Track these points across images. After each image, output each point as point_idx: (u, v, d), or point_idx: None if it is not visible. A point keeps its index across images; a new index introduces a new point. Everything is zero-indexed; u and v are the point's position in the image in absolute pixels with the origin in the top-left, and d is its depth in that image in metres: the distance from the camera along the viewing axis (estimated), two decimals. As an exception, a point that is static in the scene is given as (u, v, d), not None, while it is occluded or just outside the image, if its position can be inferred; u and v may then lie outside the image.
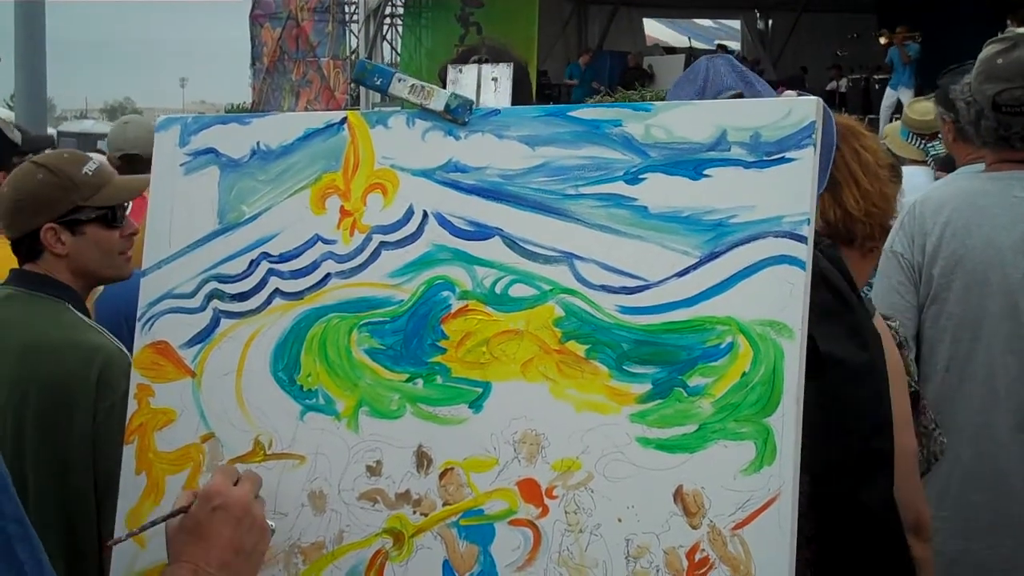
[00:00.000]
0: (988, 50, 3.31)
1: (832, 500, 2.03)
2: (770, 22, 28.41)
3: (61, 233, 2.99)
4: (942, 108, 3.97)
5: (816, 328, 1.91)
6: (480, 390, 1.90)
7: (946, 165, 5.45)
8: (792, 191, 1.74)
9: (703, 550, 1.73)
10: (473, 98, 1.98)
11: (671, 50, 26.36)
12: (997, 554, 3.24)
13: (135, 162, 4.68)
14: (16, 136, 4.19)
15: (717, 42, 25.95)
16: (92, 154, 3.33)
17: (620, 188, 1.84)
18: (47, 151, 3.31)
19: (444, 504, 1.91)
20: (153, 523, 1.94)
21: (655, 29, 29.32)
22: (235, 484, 1.88)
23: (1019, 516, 3.23)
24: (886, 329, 2.27)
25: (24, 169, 3.04)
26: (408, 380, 1.95)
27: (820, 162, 2.11)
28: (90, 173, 3.04)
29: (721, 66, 2.30)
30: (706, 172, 1.79)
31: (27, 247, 3.03)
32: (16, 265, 3.08)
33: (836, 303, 2.05)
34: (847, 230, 2.38)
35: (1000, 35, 3.39)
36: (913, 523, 2.21)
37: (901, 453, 2.18)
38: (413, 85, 2.00)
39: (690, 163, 1.80)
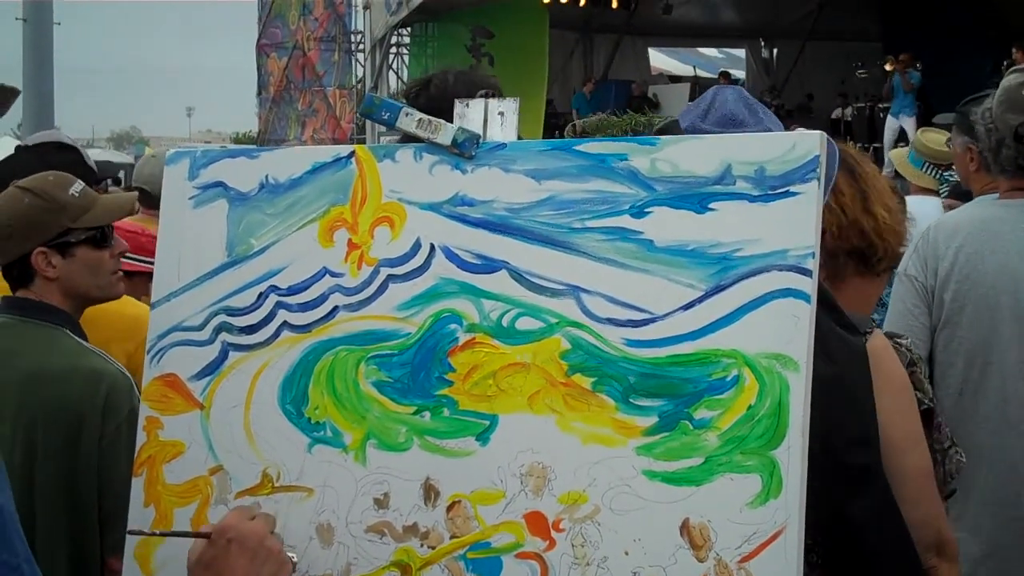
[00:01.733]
0: (1012, 79, 3.33)
1: (824, 517, 2.04)
2: (775, 51, 28.47)
3: (52, 256, 2.99)
4: (967, 137, 3.96)
5: None
6: (487, 423, 1.91)
7: (959, 195, 5.43)
8: (797, 225, 1.75)
9: (710, 583, 1.73)
10: (480, 132, 2.00)
11: (676, 79, 26.43)
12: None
13: (146, 196, 4.69)
14: (93, 164, 4.22)
15: (720, 70, 25.99)
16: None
17: (626, 222, 1.85)
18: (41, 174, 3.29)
19: (451, 537, 1.91)
20: (174, 533, 1.98)
21: (660, 59, 29.38)
22: (250, 520, 1.90)
23: None
24: (886, 347, 2.26)
25: (9, 194, 3.03)
26: (415, 413, 1.96)
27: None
28: (76, 195, 3.04)
29: (729, 94, 2.31)
30: (711, 206, 1.80)
31: (18, 272, 3.03)
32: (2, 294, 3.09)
33: None
34: (873, 243, 2.39)
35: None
36: (934, 542, 2.21)
37: (911, 472, 2.18)
38: (420, 119, 2.01)
39: (695, 197, 1.82)
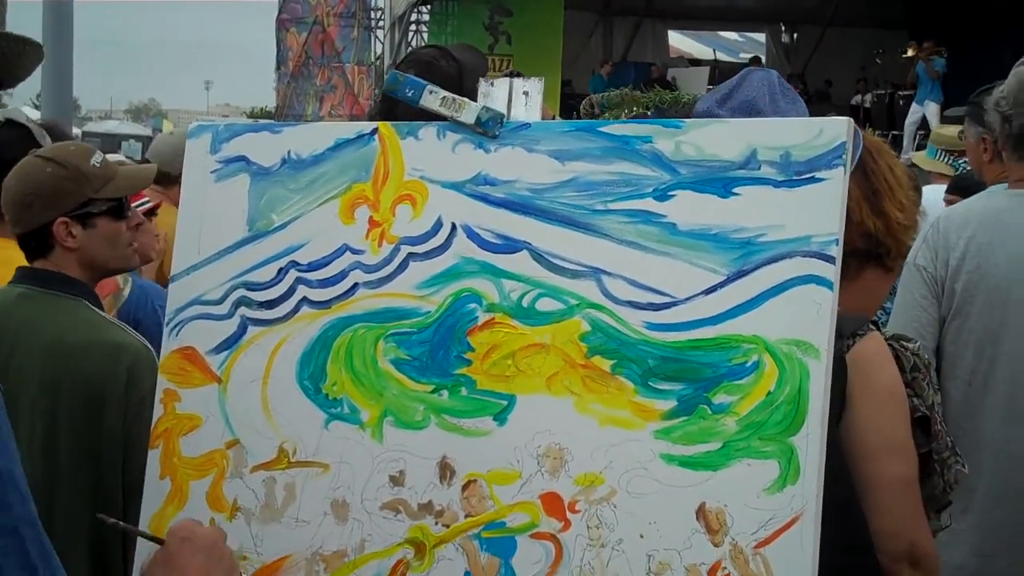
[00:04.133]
0: None
1: None
2: (795, 35, 28.35)
3: (72, 227, 2.97)
4: (980, 127, 3.93)
5: None
6: (505, 403, 1.91)
7: (960, 190, 5.41)
8: (821, 211, 1.74)
9: (725, 568, 1.73)
10: (504, 111, 1.99)
11: (696, 62, 26.32)
12: (1017, 570, 3.22)
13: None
14: (47, 141, 4.20)
15: (752, 55, 25.84)
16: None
17: (649, 204, 1.85)
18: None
19: (466, 516, 1.91)
20: (136, 532, 1.98)
21: (680, 41, 29.25)
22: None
23: None
24: (877, 351, 2.21)
25: (30, 163, 2.99)
26: (433, 391, 1.96)
27: None
28: (98, 165, 3.01)
29: (755, 79, 2.27)
30: (735, 190, 1.80)
31: (36, 243, 3.00)
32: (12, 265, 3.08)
33: None
34: (882, 243, 2.34)
35: None
36: (906, 554, 2.15)
37: (887, 480, 2.13)
38: (444, 97, 2.01)
39: (720, 181, 1.81)
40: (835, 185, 1.73)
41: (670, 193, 1.83)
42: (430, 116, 2.04)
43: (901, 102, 19.83)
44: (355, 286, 2.05)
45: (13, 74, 1.44)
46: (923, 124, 17.23)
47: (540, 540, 1.86)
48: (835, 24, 25.87)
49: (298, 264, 2.09)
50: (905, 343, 2.30)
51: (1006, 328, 3.23)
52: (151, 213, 4.22)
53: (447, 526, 1.93)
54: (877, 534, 2.11)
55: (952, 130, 6.38)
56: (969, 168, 5.90)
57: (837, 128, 1.76)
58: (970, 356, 3.28)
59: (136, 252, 3.21)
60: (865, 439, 2.12)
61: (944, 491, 2.31)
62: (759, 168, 1.79)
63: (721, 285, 1.78)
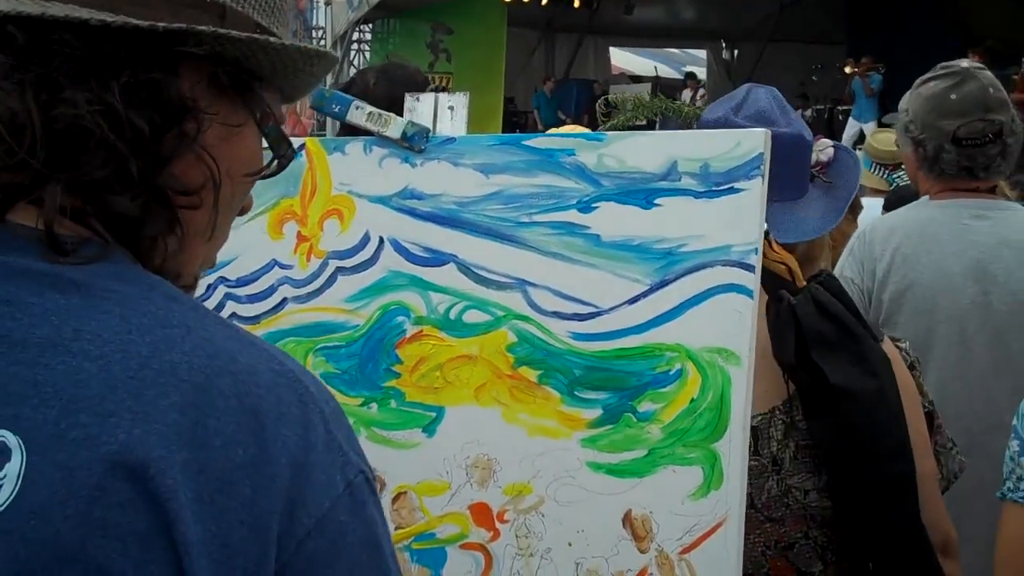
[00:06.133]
0: (933, 86, 3.35)
1: (862, 523, 2.07)
2: (736, 52, 28.58)
3: None
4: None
5: (824, 361, 1.94)
6: (433, 415, 1.92)
7: (893, 204, 5.48)
8: (740, 221, 1.77)
9: (651, 574, 1.75)
10: (429, 126, 2.01)
11: (637, 79, 26.46)
12: None
13: None
14: None
15: (686, 70, 26.04)
16: None
17: (573, 216, 1.87)
18: None
19: (396, 528, 1.92)
20: None
21: (621, 58, 29.42)
22: None
23: (974, 537, 3.26)
24: (896, 352, 2.28)
25: None
26: (363, 404, 1.97)
27: (843, 195, 2.14)
28: None
29: (762, 93, 2.29)
30: (657, 201, 1.82)
31: None
32: None
33: (839, 334, 2.06)
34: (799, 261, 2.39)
35: (940, 70, 3.41)
36: (941, 543, 2.22)
37: (923, 476, 2.19)
38: (371, 112, 2.02)
39: (641, 192, 1.83)
40: (753, 195, 1.76)
41: (593, 205, 1.86)
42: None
43: (840, 116, 20.05)
44: (284, 301, 2.05)
45: (289, 85, 1.26)
46: (861, 138, 17.41)
47: (470, 550, 1.87)
48: (775, 40, 26.12)
49: (226, 280, 2.09)
50: (899, 343, 2.36)
51: (933, 337, 3.28)
52: None
53: (378, 538, 1.94)
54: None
55: (883, 140, 6.44)
56: (903, 183, 5.97)
57: (755, 140, 1.79)
58: None
59: None
60: None
61: (950, 481, 2.39)
62: (680, 179, 1.81)
63: (644, 295, 1.81)
